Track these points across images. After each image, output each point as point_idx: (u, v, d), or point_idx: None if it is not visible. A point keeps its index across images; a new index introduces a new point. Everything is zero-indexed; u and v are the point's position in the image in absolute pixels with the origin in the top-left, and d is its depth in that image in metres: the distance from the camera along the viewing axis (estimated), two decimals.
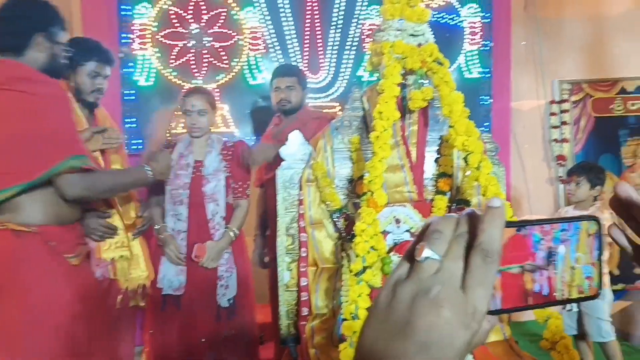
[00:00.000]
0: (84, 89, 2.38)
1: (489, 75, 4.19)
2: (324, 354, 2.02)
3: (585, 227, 0.48)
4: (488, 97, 4.18)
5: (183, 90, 3.19)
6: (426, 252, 0.43)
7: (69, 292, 1.93)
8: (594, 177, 2.99)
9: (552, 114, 4.30)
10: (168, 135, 3.57)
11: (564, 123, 4.28)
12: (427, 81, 2.15)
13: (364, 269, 1.80)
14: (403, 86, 2.12)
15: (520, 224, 0.45)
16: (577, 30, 4.36)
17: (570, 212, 3.10)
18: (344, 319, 2.00)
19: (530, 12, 4.32)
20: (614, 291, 3.20)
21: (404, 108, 2.23)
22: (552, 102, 4.31)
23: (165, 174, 2.38)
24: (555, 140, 4.28)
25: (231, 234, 2.66)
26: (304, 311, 2.20)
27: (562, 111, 4.29)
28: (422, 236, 0.45)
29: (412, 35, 2.10)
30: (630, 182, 3.90)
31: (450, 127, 2.01)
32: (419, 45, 2.09)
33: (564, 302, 0.48)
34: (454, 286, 0.42)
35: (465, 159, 2.01)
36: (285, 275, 2.30)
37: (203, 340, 2.59)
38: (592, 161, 3.84)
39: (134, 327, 2.56)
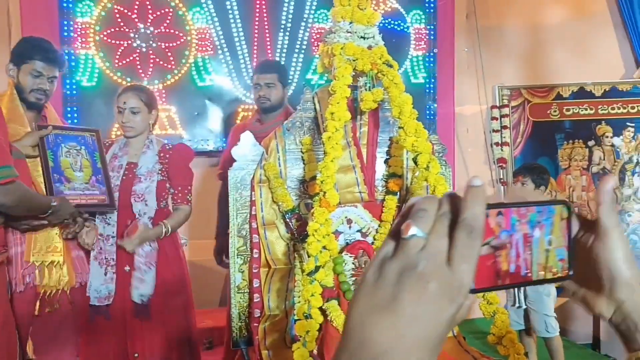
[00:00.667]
0: (24, 87, 2.30)
1: (434, 80, 4.31)
2: (277, 356, 2.01)
3: (559, 211, 0.50)
4: (433, 102, 4.30)
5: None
6: (412, 230, 0.44)
7: None
8: (538, 178, 3.12)
9: (493, 118, 4.45)
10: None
11: (504, 127, 4.44)
12: (377, 83, 2.19)
13: (317, 268, 1.81)
14: (354, 88, 2.15)
15: (498, 206, 0.47)
16: (515, 39, 4.55)
17: None
18: (297, 320, 2.01)
19: (472, 21, 4.47)
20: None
21: (354, 110, 2.26)
22: (494, 107, 4.46)
23: (57, 219, 2.22)
24: (497, 144, 4.43)
25: (163, 228, 2.48)
26: (256, 313, 2.19)
27: (503, 116, 4.45)
28: (407, 215, 0.46)
29: (362, 37, 2.13)
30: (565, 183, 4.08)
31: (400, 128, 2.05)
32: (369, 47, 2.12)
33: (538, 282, 0.50)
34: (440, 261, 0.43)
35: (414, 159, 2.05)
36: (237, 277, 2.28)
37: (136, 355, 2.43)
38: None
39: (75, 337, 2.43)
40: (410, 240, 0.44)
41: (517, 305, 3.12)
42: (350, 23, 2.14)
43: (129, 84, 3.19)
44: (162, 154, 2.56)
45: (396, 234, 0.46)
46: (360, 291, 0.45)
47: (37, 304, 2.21)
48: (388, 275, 0.44)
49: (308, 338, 1.68)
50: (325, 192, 1.85)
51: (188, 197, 2.59)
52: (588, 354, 3.73)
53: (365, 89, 2.16)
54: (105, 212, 2.44)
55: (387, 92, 2.09)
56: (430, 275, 0.43)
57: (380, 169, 2.40)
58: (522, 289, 3.05)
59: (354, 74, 2.08)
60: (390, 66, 2.11)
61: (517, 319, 3.11)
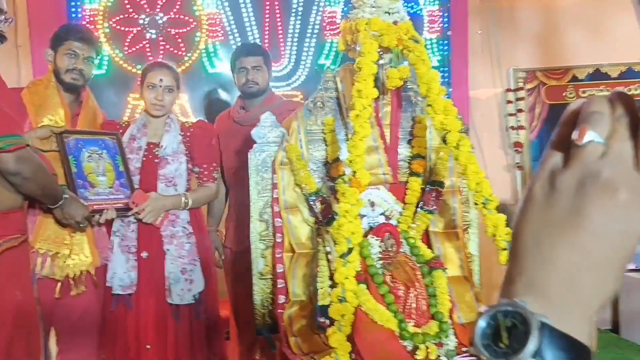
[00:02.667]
0: (61, 69, 2.29)
1: (448, 63, 4.23)
2: (305, 342, 1.95)
3: None
4: (447, 86, 4.22)
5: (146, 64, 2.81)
6: (589, 135, 0.39)
7: None
8: None
9: (508, 101, 4.37)
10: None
11: (519, 111, 4.36)
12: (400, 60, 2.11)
13: (350, 250, 1.74)
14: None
15: None
16: (530, 20, 4.45)
17: None
18: (322, 306, 1.95)
19: (486, 3, 4.39)
20: None
21: (378, 89, 2.19)
22: (508, 90, 4.38)
23: (67, 217, 2.13)
24: (512, 128, 4.36)
25: (183, 198, 2.39)
26: (281, 299, 2.13)
27: (518, 99, 4.37)
28: (570, 122, 0.41)
29: (387, 12, 2.06)
30: None
31: (428, 105, 1.98)
32: (395, 22, 2.04)
33: None
34: (627, 167, 0.38)
35: (443, 138, 1.99)
36: (259, 262, 2.22)
37: (148, 347, 2.36)
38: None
39: (97, 325, 2.38)
40: (588, 147, 0.39)
41: None
42: None
43: (156, 60, 3.05)
44: (183, 133, 2.49)
45: (559, 144, 0.41)
46: (528, 208, 0.40)
47: (58, 287, 2.15)
48: (564, 188, 0.39)
49: (344, 322, 1.62)
50: (355, 172, 1.78)
51: (214, 174, 2.52)
52: (613, 339, 3.68)
53: (390, 66, 2.10)
54: (128, 216, 2.36)
55: (414, 68, 2.02)
56: (619, 183, 0.37)
57: (404, 150, 2.34)
58: None
59: (379, 50, 2.01)
60: (417, 42, 2.04)
61: None
